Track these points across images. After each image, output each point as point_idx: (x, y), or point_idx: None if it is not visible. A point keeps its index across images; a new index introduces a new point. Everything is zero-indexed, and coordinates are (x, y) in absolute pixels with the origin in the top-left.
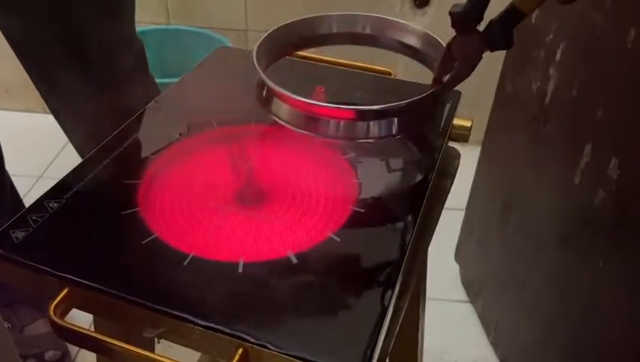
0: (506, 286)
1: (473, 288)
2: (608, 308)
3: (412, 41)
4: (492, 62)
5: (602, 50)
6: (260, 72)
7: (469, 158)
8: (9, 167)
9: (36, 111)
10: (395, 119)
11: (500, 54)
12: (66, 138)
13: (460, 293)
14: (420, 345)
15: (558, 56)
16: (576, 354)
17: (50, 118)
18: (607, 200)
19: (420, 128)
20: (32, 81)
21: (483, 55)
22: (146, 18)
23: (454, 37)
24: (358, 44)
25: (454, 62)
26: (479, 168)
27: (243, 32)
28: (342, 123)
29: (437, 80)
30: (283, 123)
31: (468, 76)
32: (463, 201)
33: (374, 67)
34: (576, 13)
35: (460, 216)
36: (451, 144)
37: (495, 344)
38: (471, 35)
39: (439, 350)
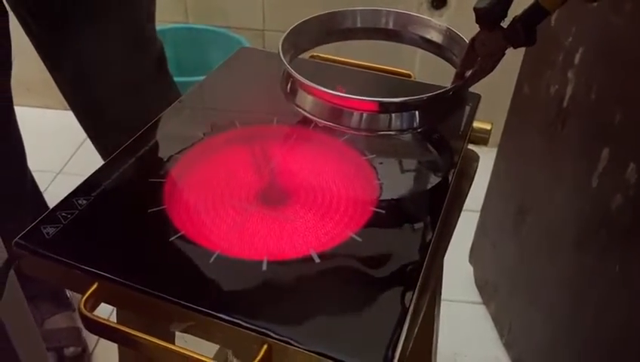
0: (520, 288)
1: (487, 290)
2: (623, 312)
3: (434, 36)
4: (510, 65)
5: (621, 54)
6: (286, 63)
7: (485, 160)
8: (29, 162)
9: (55, 108)
10: (417, 112)
11: (519, 57)
12: (84, 134)
13: (474, 295)
14: (434, 346)
15: (577, 60)
16: (589, 357)
17: (69, 114)
18: (624, 204)
19: (441, 123)
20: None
21: (505, 52)
22: (164, 17)
23: (478, 33)
24: (380, 40)
25: (477, 58)
26: (495, 170)
27: (260, 31)
28: (365, 115)
29: (459, 75)
30: (307, 114)
31: (490, 72)
32: (479, 203)
33: (394, 69)
34: (596, 16)
35: (475, 217)
36: (470, 146)
37: (508, 345)
38: (494, 32)
39: (452, 351)
